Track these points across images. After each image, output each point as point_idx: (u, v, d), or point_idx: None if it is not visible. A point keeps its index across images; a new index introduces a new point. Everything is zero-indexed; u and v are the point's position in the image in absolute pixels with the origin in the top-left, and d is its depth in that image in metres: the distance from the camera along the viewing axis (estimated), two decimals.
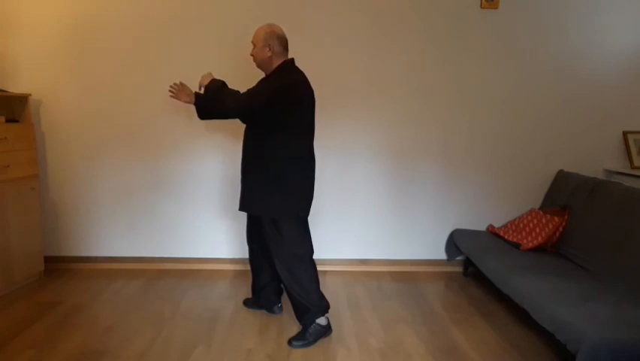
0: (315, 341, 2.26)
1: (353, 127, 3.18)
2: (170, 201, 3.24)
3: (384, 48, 3.10)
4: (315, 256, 2.35)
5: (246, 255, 2.62)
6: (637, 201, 2.43)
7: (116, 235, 3.27)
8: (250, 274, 2.63)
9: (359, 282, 3.11)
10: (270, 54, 2.19)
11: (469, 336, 2.37)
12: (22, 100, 2.93)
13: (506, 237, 3.02)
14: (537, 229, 2.91)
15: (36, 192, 2.99)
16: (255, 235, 2.44)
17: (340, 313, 2.61)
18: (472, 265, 3.03)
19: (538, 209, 3.13)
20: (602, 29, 3.12)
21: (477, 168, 3.25)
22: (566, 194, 2.99)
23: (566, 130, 3.22)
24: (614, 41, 3.14)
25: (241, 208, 2.34)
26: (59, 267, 3.24)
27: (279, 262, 2.28)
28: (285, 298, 2.49)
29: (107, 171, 3.20)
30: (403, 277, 3.22)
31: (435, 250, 3.34)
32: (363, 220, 3.30)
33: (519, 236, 2.97)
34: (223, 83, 2.24)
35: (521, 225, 3.06)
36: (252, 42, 2.24)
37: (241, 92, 2.23)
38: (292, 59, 2.26)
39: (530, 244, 2.83)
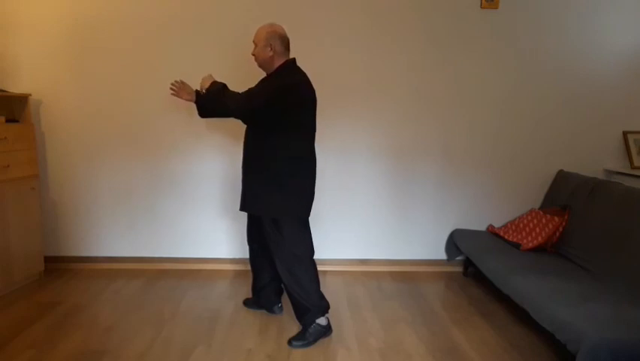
0: (315, 341, 2.26)
1: (353, 127, 3.18)
2: (170, 201, 3.24)
3: (384, 48, 3.10)
4: (315, 256, 2.35)
5: (246, 255, 2.62)
6: (637, 201, 2.43)
7: (116, 235, 3.27)
8: (250, 274, 2.64)
9: (359, 282, 3.11)
10: (271, 54, 2.19)
11: (469, 336, 2.37)
12: (22, 100, 2.93)
13: (506, 237, 3.02)
14: (537, 229, 2.91)
15: (36, 192, 2.99)
16: (256, 234, 2.44)
17: (340, 313, 2.61)
18: (472, 265, 3.03)
19: (538, 209, 3.13)
20: (602, 29, 3.12)
21: (477, 168, 3.25)
22: (566, 194, 2.99)
23: (566, 130, 3.22)
24: (614, 41, 3.14)
25: (242, 208, 2.34)
26: (59, 267, 3.24)
27: (280, 262, 2.28)
28: (285, 298, 2.49)
29: (107, 171, 3.20)
30: (403, 277, 3.22)
31: (435, 250, 3.34)
32: (363, 220, 3.30)
33: (519, 236, 2.97)
34: (224, 85, 2.24)
35: (521, 225, 3.06)
36: (254, 42, 2.23)
37: (242, 91, 2.24)
38: (294, 59, 2.26)
39: (530, 244, 2.83)
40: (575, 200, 2.88)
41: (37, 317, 2.49)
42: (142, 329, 2.39)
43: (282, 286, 2.42)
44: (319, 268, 2.38)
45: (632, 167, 3.18)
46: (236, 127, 2.60)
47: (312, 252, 2.35)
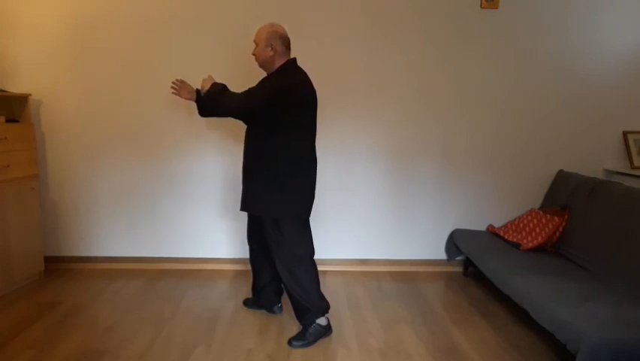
0: (315, 341, 2.26)
1: (353, 127, 3.18)
2: (170, 201, 3.24)
3: (384, 48, 3.10)
4: (315, 256, 2.35)
5: (246, 255, 2.62)
6: (637, 201, 2.43)
7: (116, 235, 3.27)
8: (250, 274, 2.64)
9: (359, 282, 3.11)
10: (272, 54, 2.19)
11: (469, 336, 2.37)
12: (22, 100, 2.93)
13: (506, 237, 3.02)
14: (537, 229, 2.91)
15: (36, 192, 2.99)
16: (256, 234, 2.44)
17: (340, 313, 2.61)
18: (472, 265, 3.03)
19: (538, 209, 3.13)
20: (602, 29, 3.12)
21: (477, 168, 3.25)
22: (566, 194, 2.99)
23: (566, 130, 3.22)
24: (614, 41, 3.14)
25: (242, 208, 2.34)
26: (59, 267, 3.24)
27: (280, 263, 2.28)
28: (285, 298, 2.49)
29: (107, 171, 3.20)
30: (403, 277, 3.22)
31: (435, 250, 3.34)
32: (363, 220, 3.30)
33: (519, 236, 2.97)
34: (224, 87, 2.24)
35: (521, 225, 3.06)
36: (254, 41, 2.23)
37: (242, 91, 2.24)
38: (294, 59, 2.26)
39: (530, 244, 2.83)
40: (575, 200, 2.88)
41: (37, 317, 2.49)
42: (142, 329, 2.39)
43: (282, 286, 2.42)
44: (319, 268, 2.38)
45: (632, 167, 3.18)
46: (236, 127, 2.61)
47: (313, 252, 2.35)
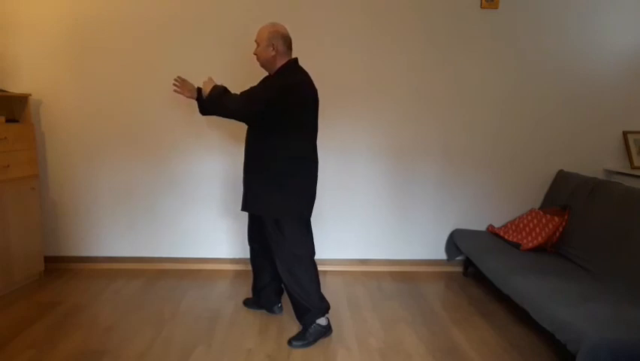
0: (315, 341, 2.26)
1: (353, 127, 3.18)
2: (170, 201, 3.24)
3: (384, 48, 3.10)
4: (315, 257, 2.35)
5: (246, 255, 2.62)
6: (637, 201, 2.43)
7: (116, 235, 3.27)
8: (250, 274, 2.64)
9: (359, 282, 3.11)
10: (273, 54, 2.18)
11: (469, 336, 2.37)
12: (22, 100, 2.93)
13: (506, 237, 3.02)
14: (537, 229, 2.91)
15: (36, 192, 2.99)
16: (256, 234, 2.44)
17: (340, 313, 2.61)
18: (472, 265, 3.03)
19: (538, 209, 3.13)
20: (602, 29, 3.12)
21: (477, 168, 3.25)
22: (566, 194, 2.99)
23: (566, 130, 3.22)
24: (614, 41, 3.14)
25: (243, 208, 2.34)
26: (59, 267, 3.24)
27: (280, 263, 2.28)
28: (285, 298, 2.49)
29: (107, 171, 3.20)
30: (403, 277, 3.22)
31: (435, 250, 3.34)
32: (363, 220, 3.30)
33: (519, 236, 2.97)
34: (224, 89, 2.24)
35: (521, 225, 3.06)
36: (256, 41, 2.23)
37: (244, 90, 2.23)
38: (296, 59, 2.25)
39: (530, 244, 2.83)
40: (575, 200, 2.88)
41: (37, 317, 2.49)
42: (142, 329, 2.39)
43: (283, 286, 2.42)
44: (319, 268, 2.38)
45: (632, 167, 3.18)
46: (237, 127, 2.61)
47: (313, 252, 2.35)
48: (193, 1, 3.02)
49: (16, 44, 3.04)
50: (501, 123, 3.21)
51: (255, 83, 2.28)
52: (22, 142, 2.87)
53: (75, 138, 3.16)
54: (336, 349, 2.23)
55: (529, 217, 3.06)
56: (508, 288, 2.41)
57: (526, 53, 3.13)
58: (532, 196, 3.28)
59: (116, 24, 3.03)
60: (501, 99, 3.18)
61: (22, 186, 2.88)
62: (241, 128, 2.32)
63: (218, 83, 2.27)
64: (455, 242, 3.20)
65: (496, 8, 3.06)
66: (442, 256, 3.34)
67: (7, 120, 2.82)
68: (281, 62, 2.21)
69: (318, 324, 2.28)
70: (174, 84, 2.31)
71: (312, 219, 2.36)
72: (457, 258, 3.29)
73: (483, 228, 3.30)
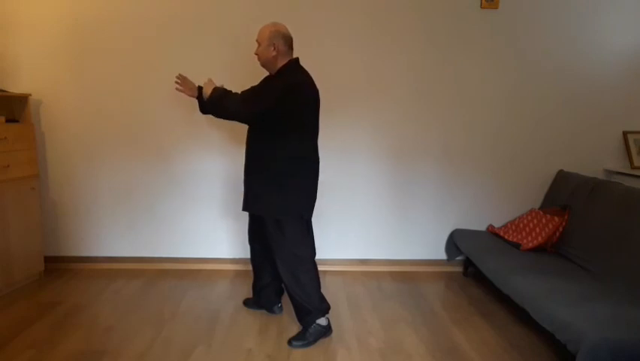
0: (315, 341, 2.26)
1: (353, 127, 3.18)
2: (170, 201, 3.24)
3: (384, 48, 3.09)
4: (315, 257, 2.35)
5: (247, 255, 2.62)
6: (637, 201, 2.43)
7: (116, 235, 3.27)
8: (250, 274, 2.64)
9: (359, 282, 3.11)
10: (274, 53, 2.18)
11: (469, 336, 2.37)
12: (22, 100, 2.93)
13: (506, 237, 3.02)
14: (537, 229, 2.91)
15: (36, 192, 2.99)
16: (257, 234, 2.44)
17: (340, 313, 2.61)
18: (472, 265, 3.03)
19: (538, 209, 3.13)
20: (602, 29, 3.12)
21: (477, 168, 3.25)
22: (566, 194, 2.99)
23: (566, 130, 3.22)
24: (614, 41, 3.14)
25: (244, 208, 2.34)
26: (59, 267, 3.24)
27: (281, 263, 2.27)
28: (285, 298, 2.49)
29: (107, 171, 3.20)
30: (403, 277, 3.22)
31: (435, 250, 3.34)
32: (363, 220, 3.30)
33: (519, 236, 2.97)
34: (225, 91, 2.23)
35: (521, 225, 3.06)
36: (257, 41, 2.23)
37: (245, 89, 2.23)
38: (297, 59, 2.25)
39: (530, 244, 2.83)
40: (575, 200, 2.88)
41: (37, 317, 2.49)
42: (142, 329, 2.39)
43: (283, 286, 2.42)
44: (319, 268, 2.37)
45: (632, 167, 3.18)
46: (237, 127, 2.60)
47: (314, 253, 2.35)
48: (193, 1, 3.02)
49: (16, 44, 3.04)
50: (501, 123, 3.21)
51: (256, 83, 2.28)
52: (22, 142, 2.87)
53: (75, 138, 3.16)
54: (336, 349, 2.23)
55: (529, 217, 3.06)
56: (508, 288, 2.41)
57: (526, 52, 3.13)
58: (532, 196, 3.28)
59: (116, 24, 3.03)
60: (501, 99, 3.18)
61: (22, 186, 2.88)
62: (241, 128, 2.32)
63: (218, 85, 2.27)
64: (455, 242, 3.20)
65: (496, 8, 3.06)
66: (442, 256, 3.34)
67: (7, 120, 2.82)
68: (282, 61, 2.20)
69: (319, 324, 2.28)
70: (176, 82, 2.31)
71: (312, 219, 2.36)
72: (457, 258, 3.29)
73: (483, 228, 3.30)
